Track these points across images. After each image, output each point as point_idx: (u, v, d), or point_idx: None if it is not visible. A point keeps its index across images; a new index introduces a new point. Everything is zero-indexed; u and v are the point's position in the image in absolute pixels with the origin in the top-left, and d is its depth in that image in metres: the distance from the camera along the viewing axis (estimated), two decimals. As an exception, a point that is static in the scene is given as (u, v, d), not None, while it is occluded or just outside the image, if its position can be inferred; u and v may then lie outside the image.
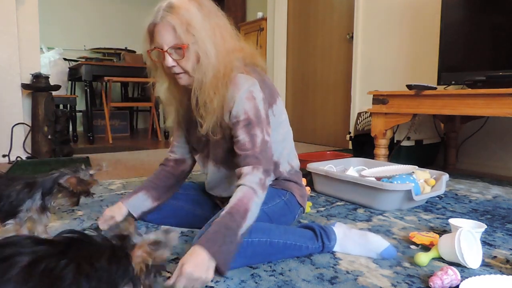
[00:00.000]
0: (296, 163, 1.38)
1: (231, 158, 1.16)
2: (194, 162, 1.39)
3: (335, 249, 1.18)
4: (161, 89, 1.20)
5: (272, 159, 1.15)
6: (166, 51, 1.06)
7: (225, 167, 1.24)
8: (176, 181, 1.38)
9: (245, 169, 1.07)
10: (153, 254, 0.71)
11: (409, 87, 2.18)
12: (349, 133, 3.07)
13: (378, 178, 1.73)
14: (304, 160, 1.91)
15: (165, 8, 1.04)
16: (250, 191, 1.04)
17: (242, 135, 1.09)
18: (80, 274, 0.59)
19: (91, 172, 1.23)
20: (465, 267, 1.07)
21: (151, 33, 1.09)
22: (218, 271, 0.93)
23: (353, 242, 1.17)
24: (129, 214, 1.28)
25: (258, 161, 1.07)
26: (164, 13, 1.04)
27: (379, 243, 1.16)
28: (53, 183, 1.16)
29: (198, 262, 0.89)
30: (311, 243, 1.15)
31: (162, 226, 0.98)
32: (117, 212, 1.26)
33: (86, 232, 0.68)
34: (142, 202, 1.30)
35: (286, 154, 1.31)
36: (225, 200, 1.27)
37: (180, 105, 1.25)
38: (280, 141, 1.27)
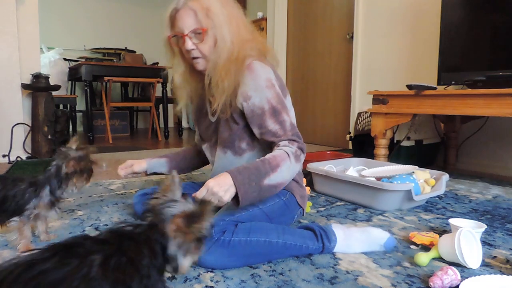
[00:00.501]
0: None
1: (237, 143, 1.23)
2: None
3: (337, 250, 1.18)
4: (177, 74, 1.28)
5: (301, 137, 1.21)
6: (187, 35, 1.14)
7: (231, 151, 1.26)
8: (197, 164, 1.57)
9: (282, 142, 1.15)
10: (189, 229, 0.71)
11: (409, 87, 2.18)
12: (349, 133, 3.07)
13: (378, 178, 1.73)
14: (304, 160, 1.91)
15: None
16: (284, 154, 1.11)
17: (271, 125, 1.15)
18: (142, 267, 0.64)
19: (73, 146, 1.23)
20: (465, 267, 1.07)
21: (172, 19, 1.17)
22: (235, 201, 1.04)
23: (356, 240, 1.18)
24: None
25: (294, 140, 1.15)
26: (186, 0, 1.13)
27: (381, 235, 1.18)
28: (58, 177, 1.18)
29: (221, 182, 1.01)
30: (311, 244, 1.15)
31: (197, 195, 1.01)
32: (137, 164, 1.44)
33: (124, 227, 0.70)
34: (159, 168, 1.48)
35: None
36: None
37: (193, 92, 1.32)
38: None
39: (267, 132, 1.16)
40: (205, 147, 1.40)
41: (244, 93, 1.15)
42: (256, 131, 1.19)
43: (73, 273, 0.55)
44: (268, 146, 1.21)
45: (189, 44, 1.15)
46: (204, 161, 1.53)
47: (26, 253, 0.59)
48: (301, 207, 1.34)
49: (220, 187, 1.00)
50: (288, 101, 1.30)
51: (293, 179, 1.32)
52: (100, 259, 0.59)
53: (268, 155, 1.10)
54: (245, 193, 1.03)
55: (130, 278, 0.61)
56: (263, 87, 1.15)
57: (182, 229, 0.70)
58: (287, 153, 1.11)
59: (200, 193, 1.00)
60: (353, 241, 1.18)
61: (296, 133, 1.18)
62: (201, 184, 1.54)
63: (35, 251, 0.59)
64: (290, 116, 1.18)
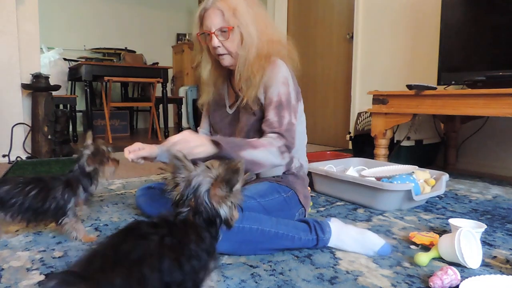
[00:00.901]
0: (306, 165, 1.43)
1: (252, 134, 1.27)
2: None
3: (331, 244, 1.18)
4: (206, 70, 1.35)
5: (295, 140, 1.24)
6: (214, 32, 1.21)
7: None
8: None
9: (270, 134, 1.19)
10: (228, 194, 0.75)
11: (409, 87, 2.18)
12: (349, 133, 3.07)
13: (378, 178, 1.73)
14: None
15: None
16: (269, 142, 1.16)
17: (271, 115, 1.21)
18: (189, 248, 0.70)
19: (89, 142, 1.29)
20: (465, 267, 1.07)
21: (201, 18, 1.25)
22: (216, 154, 1.07)
23: (350, 238, 1.18)
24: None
25: (283, 136, 1.19)
26: (214, 0, 1.21)
27: (376, 241, 1.17)
28: (86, 174, 1.26)
29: (198, 137, 1.08)
30: (304, 235, 1.15)
31: (170, 139, 1.06)
32: (148, 148, 1.31)
33: (170, 214, 0.76)
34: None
35: (300, 151, 1.38)
36: None
37: (216, 86, 1.39)
38: (297, 138, 1.31)
39: (265, 121, 1.22)
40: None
41: (264, 85, 1.23)
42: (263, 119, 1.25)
43: (146, 251, 0.64)
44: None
45: (216, 41, 1.22)
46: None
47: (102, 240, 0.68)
48: (303, 206, 1.34)
49: (196, 139, 1.06)
50: (301, 106, 1.35)
51: (298, 178, 1.34)
52: (157, 239, 0.67)
53: (252, 140, 1.17)
54: (226, 144, 1.08)
55: (181, 256, 0.68)
56: (279, 82, 1.22)
57: (223, 196, 0.74)
58: (272, 143, 1.16)
59: (173, 138, 1.05)
60: (348, 238, 1.18)
61: (290, 133, 1.21)
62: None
63: (110, 236, 0.69)
64: (292, 116, 1.23)
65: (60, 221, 1.23)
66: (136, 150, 1.29)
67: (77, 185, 1.25)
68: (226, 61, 1.27)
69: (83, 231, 1.27)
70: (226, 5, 1.19)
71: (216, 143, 1.09)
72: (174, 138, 1.06)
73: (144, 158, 1.32)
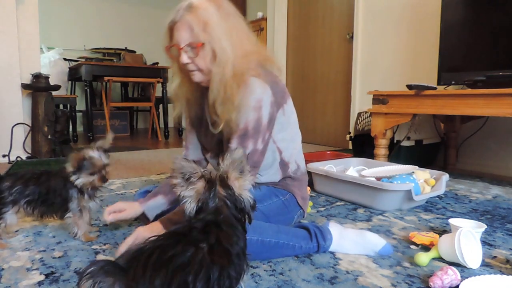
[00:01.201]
0: (303, 165, 1.39)
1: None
2: (208, 162, 1.41)
3: (332, 249, 1.18)
4: (172, 85, 1.26)
5: (259, 165, 1.18)
6: (182, 48, 1.12)
7: None
8: None
9: None
10: (244, 179, 0.80)
11: (409, 87, 2.18)
12: (349, 133, 3.07)
13: (378, 178, 1.73)
14: (304, 160, 1.91)
15: (185, 7, 1.10)
16: None
17: (234, 144, 1.14)
18: (234, 254, 0.72)
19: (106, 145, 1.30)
20: (465, 267, 1.07)
21: (171, 30, 1.15)
22: None
23: (350, 241, 1.17)
24: (144, 216, 1.30)
25: None
26: (184, 12, 1.10)
27: (377, 241, 1.17)
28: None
29: (153, 229, 1.04)
30: (305, 243, 1.15)
31: (125, 243, 1.05)
32: (130, 209, 1.27)
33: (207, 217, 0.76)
34: (159, 206, 1.30)
35: (295, 154, 1.34)
36: None
37: (189, 102, 1.29)
38: (289, 140, 1.29)
39: (227, 147, 1.15)
40: (209, 157, 1.36)
41: (235, 107, 1.13)
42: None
43: (194, 258, 0.65)
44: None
45: (185, 58, 1.12)
46: None
47: (152, 239, 0.69)
48: (302, 208, 1.34)
49: (148, 234, 0.94)
50: (289, 106, 1.28)
51: (295, 181, 1.32)
52: (207, 248, 0.68)
53: None
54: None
55: (228, 264, 0.69)
56: (250, 106, 1.11)
57: (241, 180, 0.79)
58: None
59: (127, 242, 1.02)
60: (347, 242, 1.18)
61: (254, 163, 1.14)
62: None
63: (159, 237, 0.70)
64: (257, 143, 1.14)
65: (64, 215, 1.25)
66: (116, 212, 1.24)
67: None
68: (197, 77, 1.17)
69: (84, 228, 1.27)
70: (196, 18, 1.08)
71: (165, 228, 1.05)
72: (128, 242, 1.03)
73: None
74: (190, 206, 0.77)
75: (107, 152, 1.28)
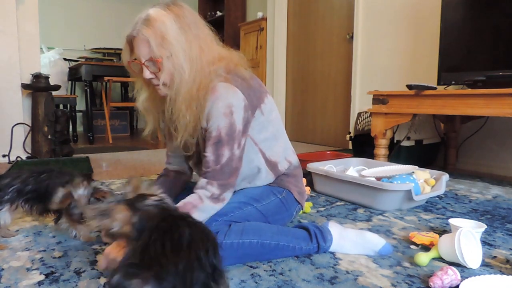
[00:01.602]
0: (295, 159, 1.36)
1: None
2: (192, 169, 1.39)
3: (332, 250, 1.18)
4: (140, 99, 1.23)
5: (235, 172, 1.14)
6: (143, 63, 1.08)
7: None
8: (180, 190, 1.38)
9: (200, 182, 1.12)
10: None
11: (409, 87, 2.18)
12: (349, 133, 3.07)
13: (378, 178, 1.73)
14: (304, 160, 1.91)
15: (142, 21, 1.07)
16: (197, 199, 1.09)
17: (209, 152, 1.11)
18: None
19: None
20: (465, 267, 1.07)
21: (130, 44, 1.12)
22: None
23: (350, 242, 1.17)
24: None
25: (215, 178, 1.10)
26: (141, 26, 1.07)
27: (376, 241, 1.17)
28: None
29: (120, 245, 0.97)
30: (305, 244, 1.15)
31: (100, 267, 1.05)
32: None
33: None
34: None
35: (282, 151, 1.30)
36: None
37: (161, 115, 1.26)
38: (270, 138, 1.25)
39: (203, 156, 1.14)
40: (191, 164, 1.33)
41: (205, 116, 1.10)
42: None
43: (194, 235, 0.71)
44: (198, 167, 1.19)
45: (147, 73, 1.10)
46: (182, 189, 1.40)
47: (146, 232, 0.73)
48: (300, 203, 1.33)
49: (118, 252, 0.93)
50: (269, 103, 1.24)
51: (289, 177, 1.31)
52: (197, 225, 0.77)
53: (180, 202, 1.08)
54: None
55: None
56: (221, 113, 1.08)
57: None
58: (200, 197, 1.09)
59: (101, 265, 0.98)
60: (347, 242, 1.17)
61: (228, 167, 1.11)
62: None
63: (151, 230, 0.73)
64: (234, 149, 1.11)
65: (58, 217, 1.25)
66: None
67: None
68: (162, 91, 1.13)
69: (82, 229, 1.26)
70: (153, 33, 1.04)
71: None
72: (102, 265, 0.97)
73: None
74: (126, 229, 0.81)
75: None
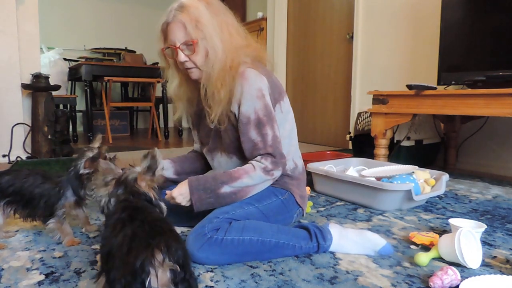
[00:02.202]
0: (301, 163, 1.39)
1: (241, 146, 1.22)
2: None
3: (332, 249, 1.18)
4: (172, 86, 1.30)
5: (283, 153, 1.20)
6: (179, 47, 1.16)
7: (237, 156, 1.27)
8: (201, 166, 1.48)
9: (255, 158, 1.18)
10: (153, 179, 0.94)
11: (409, 87, 2.18)
12: (349, 133, 3.07)
13: (378, 178, 1.73)
14: (304, 160, 1.90)
15: (176, 8, 1.15)
16: (250, 167, 1.16)
17: (253, 135, 1.16)
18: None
19: (96, 145, 1.29)
20: (465, 267, 1.07)
21: (165, 32, 1.19)
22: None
23: (351, 241, 1.17)
24: None
25: (268, 155, 1.16)
26: (176, 12, 1.15)
27: (377, 241, 1.17)
28: (77, 177, 1.24)
29: (182, 191, 1.13)
30: (305, 243, 1.15)
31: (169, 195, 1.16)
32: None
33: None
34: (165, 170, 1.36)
35: (292, 151, 1.33)
36: None
37: (190, 101, 1.33)
38: (285, 137, 1.29)
39: (248, 140, 1.18)
40: (205, 151, 1.39)
41: (236, 100, 1.17)
42: (241, 137, 1.20)
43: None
44: (243, 157, 1.23)
45: (182, 56, 1.17)
46: (203, 168, 1.49)
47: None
48: (301, 207, 1.34)
49: (180, 195, 1.13)
50: (285, 104, 1.29)
51: (293, 179, 1.32)
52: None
53: (233, 169, 1.17)
54: (199, 198, 1.12)
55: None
56: (254, 96, 1.15)
57: (149, 181, 0.93)
58: (253, 166, 1.15)
59: (169, 195, 1.14)
60: (348, 242, 1.17)
61: (277, 148, 1.17)
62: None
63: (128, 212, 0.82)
64: (274, 129, 1.18)
65: (46, 220, 1.23)
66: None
67: (67, 187, 1.24)
68: (195, 74, 1.21)
69: (67, 234, 1.24)
70: (188, 17, 1.13)
71: (191, 191, 1.13)
72: (169, 196, 1.14)
73: None
74: (103, 203, 0.93)
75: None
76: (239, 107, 1.17)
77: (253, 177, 1.15)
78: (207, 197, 1.13)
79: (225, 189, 1.13)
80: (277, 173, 1.19)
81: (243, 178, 1.14)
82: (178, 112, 1.38)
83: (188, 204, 1.14)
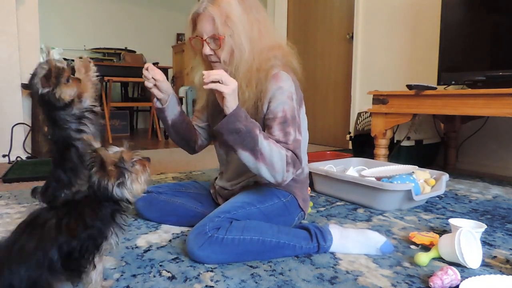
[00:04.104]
0: (306, 168, 1.39)
1: None
2: (204, 144, 1.46)
3: (334, 250, 1.18)
4: (198, 75, 1.26)
5: (302, 159, 1.16)
6: (205, 40, 1.14)
7: None
8: (194, 135, 1.42)
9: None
10: (109, 169, 0.86)
11: (409, 87, 2.18)
12: (349, 133, 3.07)
13: (378, 178, 1.73)
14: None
15: (209, 0, 1.13)
16: (275, 143, 1.09)
17: (276, 131, 1.13)
18: (86, 222, 0.85)
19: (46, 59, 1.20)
20: (465, 267, 1.07)
21: (194, 21, 1.17)
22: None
23: (352, 241, 1.18)
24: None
25: (289, 150, 1.11)
26: (207, 4, 1.12)
27: (377, 239, 1.17)
28: (41, 100, 1.16)
29: (235, 89, 1.03)
30: (305, 243, 1.15)
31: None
32: (167, 83, 1.27)
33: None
34: (174, 106, 1.32)
35: (302, 156, 1.33)
36: (227, 196, 1.28)
37: (211, 92, 1.27)
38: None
39: (270, 136, 1.14)
40: (217, 145, 1.38)
41: (267, 99, 1.15)
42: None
43: (42, 240, 0.79)
44: None
45: (207, 49, 1.15)
46: (195, 140, 1.44)
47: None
48: (303, 210, 1.34)
49: (232, 88, 1.01)
50: (303, 111, 1.30)
51: (297, 183, 1.32)
52: (54, 222, 0.81)
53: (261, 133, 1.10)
54: (237, 113, 1.03)
55: (77, 231, 0.82)
56: (285, 96, 1.14)
57: (106, 172, 0.85)
58: (283, 148, 1.10)
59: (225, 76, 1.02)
60: (349, 241, 1.18)
61: (297, 149, 1.14)
62: (202, 183, 1.55)
63: (13, 232, 0.84)
64: (297, 133, 1.15)
65: None
66: (157, 80, 1.22)
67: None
68: (218, 68, 1.18)
69: None
70: (218, 11, 1.10)
71: (237, 106, 1.04)
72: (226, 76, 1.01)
73: (158, 80, 1.23)
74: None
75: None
76: (268, 105, 1.15)
77: (280, 152, 1.07)
78: (243, 121, 1.03)
79: (259, 136, 1.05)
80: (291, 173, 1.12)
81: (271, 142, 1.07)
82: (199, 102, 1.38)
83: (225, 92, 1.00)
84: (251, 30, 1.13)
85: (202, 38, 1.15)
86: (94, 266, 0.86)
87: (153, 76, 1.21)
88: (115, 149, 0.90)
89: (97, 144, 1.23)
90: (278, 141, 1.11)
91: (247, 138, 1.04)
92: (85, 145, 1.20)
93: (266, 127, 1.16)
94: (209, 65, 1.23)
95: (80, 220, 0.83)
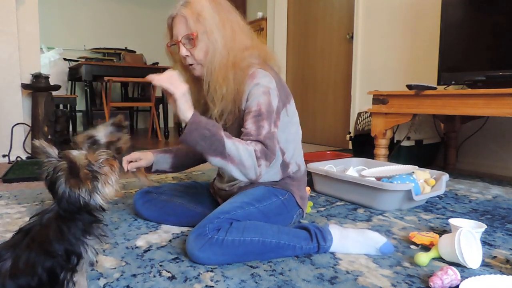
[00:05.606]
0: (303, 165, 1.40)
1: None
2: None
3: (334, 250, 1.18)
4: None
5: (275, 150, 1.17)
6: (180, 41, 1.17)
7: None
8: (194, 162, 1.49)
9: (248, 142, 1.12)
10: (82, 177, 0.78)
11: (409, 87, 2.18)
12: (349, 133, 3.07)
13: (378, 178, 1.73)
14: (304, 160, 1.91)
15: (181, 3, 1.18)
16: (244, 141, 1.10)
17: (250, 124, 1.14)
18: (50, 251, 0.76)
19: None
20: (465, 267, 1.07)
21: (170, 27, 1.22)
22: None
23: (352, 241, 1.17)
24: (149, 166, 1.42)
25: (259, 142, 1.12)
26: (180, 7, 1.17)
27: (377, 239, 1.17)
28: None
29: (188, 102, 1.07)
30: (305, 244, 1.15)
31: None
32: (145, 158, 1.38)
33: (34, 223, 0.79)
34: (163, 163, 1.43)
35: (296, 154, 1.34)
36: (226, 197, 1.28)
37: (196, 98, 1.30)
38: (291, 140, 1.30)
39: (243, 129, 1.16)
40: None
41: (245, 98, 1.17)
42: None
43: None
44: None
45: (183, 50, 1.18)
46: (196, 162, 1.50)
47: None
48: (301, 208, 1.34)
49: (184, 102, 1.05)
50: (292, 107, 1.30)
51: (294, 181, 1.32)
52: (10, 264, 0.71)
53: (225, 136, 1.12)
54: (197, 121, 1.06)
55: (37, 270, 0.72)
56: (260, 92, 1.15)
57: (77, 182, 0.76)
58: (248, 144, 1.10)
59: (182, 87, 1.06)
60: (349, 241, 1.18)
61: (270, 141, 1.13)
62: (201, 183, 1.55)
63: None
64: (272, 125, 1.15)
65: None
66: (132, 160, 1.35)
67: None
68: (197, 71, 1.22)
69: None
70: (190, 11, 1.14)
71: (194, 113, 1.07)
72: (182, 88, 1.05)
73: (140, 167, 1.39)
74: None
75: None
76: (246, 103, 1.17)
77: (245, 149, 1.08)
78: (204, 125, 1.06)
79: (224, 137, 1.07)
80: (264, 166, 1.11)
81: (235, 141, 1.08)
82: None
83: (176, 95, 1.04)
84: (223, 27, 1.16)
85: (177, 40, 1.18)
86: (74, 284, 0.77)
87: (129, 164, 1.32)
88: (75, 152, 0.79)
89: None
90: (249, 134, 1.12)
91: (214, 142, 1.06)
92: None
93: (243, 122, 1.17)
94: (191, 73, 1.24)
95: (42, 252, 0.73)
